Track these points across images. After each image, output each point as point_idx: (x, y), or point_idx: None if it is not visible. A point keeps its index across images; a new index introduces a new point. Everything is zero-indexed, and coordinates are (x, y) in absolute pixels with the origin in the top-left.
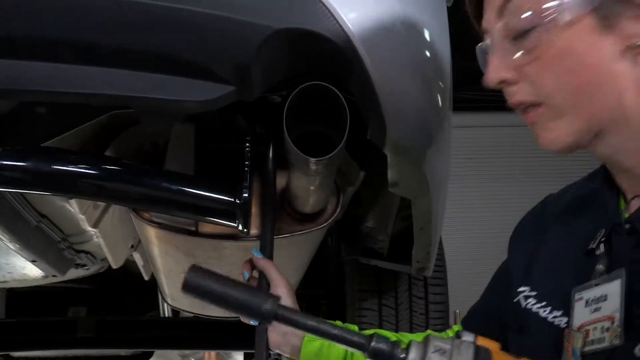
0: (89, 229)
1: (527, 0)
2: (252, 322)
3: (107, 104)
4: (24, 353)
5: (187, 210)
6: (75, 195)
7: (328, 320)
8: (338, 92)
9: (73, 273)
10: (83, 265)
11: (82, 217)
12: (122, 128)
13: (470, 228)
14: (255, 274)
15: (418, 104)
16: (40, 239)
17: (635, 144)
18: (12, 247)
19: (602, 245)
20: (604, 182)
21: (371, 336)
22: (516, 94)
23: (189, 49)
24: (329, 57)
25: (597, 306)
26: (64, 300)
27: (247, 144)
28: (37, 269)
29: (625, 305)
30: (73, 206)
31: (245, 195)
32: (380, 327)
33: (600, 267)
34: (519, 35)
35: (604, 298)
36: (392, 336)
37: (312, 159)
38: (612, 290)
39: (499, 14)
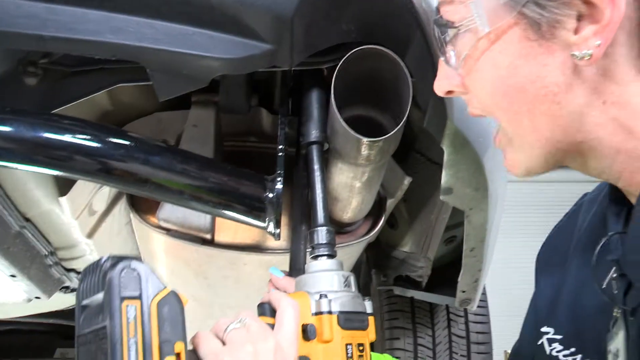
0: (82, 239)
1: (453, 9)
2: None
3: (109, 55)
4: None
5: (207, 202)
6: (69, 173)
7: None
8: (398, 59)
9: (60, 300)
10: (73, 290)
11: (75, 222)
12: (126, 119)
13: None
14: None
15: None
16: (22, 248)
17: (620, 166)
18: None
19: (613, 283)
20: (610, 202)
21: None
22: (469, 104)
23: None
24: (384, 20)
25: None
26: (51, 339)
27: (280, 122)
28: (18, 288)
29: None
30: (64, 210)
31: (279, 186)
32: None
33: (616, 311)
34: (450, 41)
35: (618, 354)
36: None
37: (365, 140)
38: (620, 347)
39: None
